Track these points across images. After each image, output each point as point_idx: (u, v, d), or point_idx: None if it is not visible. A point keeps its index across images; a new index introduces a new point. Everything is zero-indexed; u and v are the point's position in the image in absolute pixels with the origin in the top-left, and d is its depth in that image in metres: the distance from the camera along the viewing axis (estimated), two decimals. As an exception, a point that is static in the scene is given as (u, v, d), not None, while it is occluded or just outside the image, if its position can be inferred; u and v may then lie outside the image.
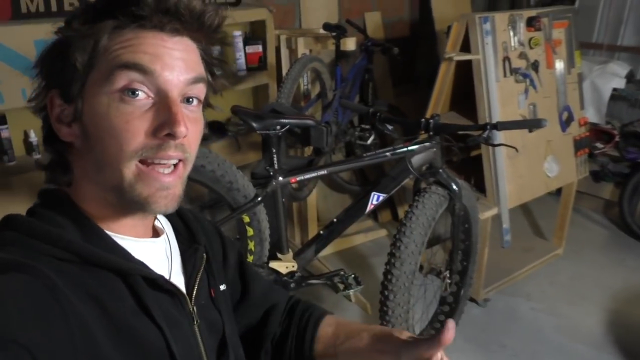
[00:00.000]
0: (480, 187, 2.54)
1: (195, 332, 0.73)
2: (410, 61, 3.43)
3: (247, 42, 2.57)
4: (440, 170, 1.79)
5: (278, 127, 1.59)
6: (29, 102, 0.66)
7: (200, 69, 0.68)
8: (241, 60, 2.55)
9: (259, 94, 2.72)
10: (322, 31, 2.62)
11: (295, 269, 1.74)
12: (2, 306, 0.53)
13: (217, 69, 0.73)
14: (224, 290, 0.84)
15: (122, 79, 0.61)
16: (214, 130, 2.65)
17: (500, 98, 2.34)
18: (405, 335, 0.77)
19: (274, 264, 1.72)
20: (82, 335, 0.57)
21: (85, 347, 0.57)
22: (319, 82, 2.59)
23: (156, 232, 0.76)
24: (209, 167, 1.54)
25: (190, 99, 0.67)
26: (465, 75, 2.40)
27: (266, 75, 2.62)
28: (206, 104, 0.73)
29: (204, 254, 0.80)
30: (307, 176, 1.68)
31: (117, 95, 0.62)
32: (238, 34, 2.54)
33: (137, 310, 0.64)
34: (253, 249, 1.69)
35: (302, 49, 2.57)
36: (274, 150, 1.62)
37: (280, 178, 1.64)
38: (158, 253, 0.73)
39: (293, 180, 1.66)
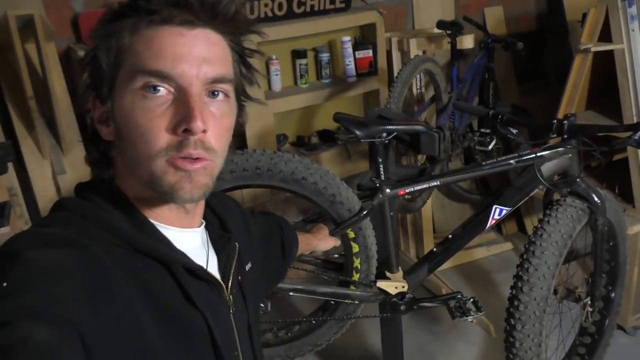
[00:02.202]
0: (626, 196, 2.19)
1: (231, 320, 0.76)
2: (537, 57, 3.10)
3: (356, 47, 2.47)
4: (578, 180, 1.52)
5: (384, 134, 1.45)
6: (76, 105, 0.72)
7: (224, 62, 0.68)
8: (351, 66, 2.46)
9: (370, 100, 2.60)
10: (436, 30, 2.44)
11: (405, 289, 1.58)
12: (57, 281, 0.54)
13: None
14: (249, 269, 0.87)
15: (144, 79, 0.63)
16: (323, 139, 2.58)
17: (651, 93, 1.99)
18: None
19: (382, 284, 1.57)
20: (128, 319, 0.59)
21: (130, 330, 0.59)
22: (433, 84, 2.40)
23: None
24: (311, 179, 1.44)
25: (216, 92, 0.67)
26: (604, 70, 2.10)
27: (377, 81, 2.50)
28: (243, 97, 0.74)
29: (236, 243, 0.82)
30: (418, 187, 1.52)
31: (140, 93, 0.63)
32: (347, 40, 2.44)
33: (181, 297, 0.67)
34: (359, 266, 1.56)
35: (414, 51, 2.41)
36: (380, 160, 1.48)
37: (388, 190, 1.50)
38: (198, 243, 0.76)
39: (402, 192, 1.51)
